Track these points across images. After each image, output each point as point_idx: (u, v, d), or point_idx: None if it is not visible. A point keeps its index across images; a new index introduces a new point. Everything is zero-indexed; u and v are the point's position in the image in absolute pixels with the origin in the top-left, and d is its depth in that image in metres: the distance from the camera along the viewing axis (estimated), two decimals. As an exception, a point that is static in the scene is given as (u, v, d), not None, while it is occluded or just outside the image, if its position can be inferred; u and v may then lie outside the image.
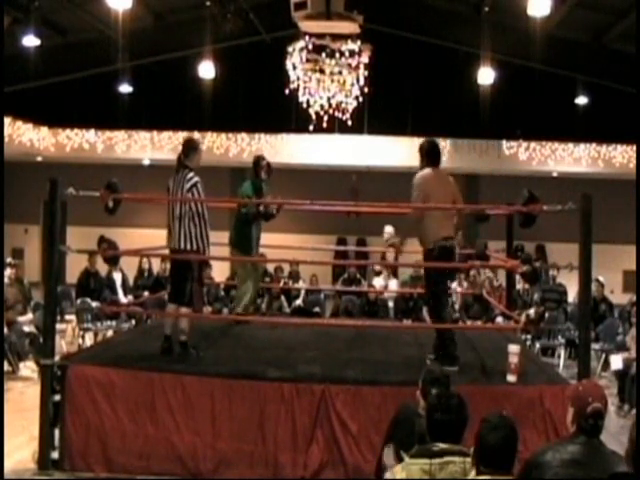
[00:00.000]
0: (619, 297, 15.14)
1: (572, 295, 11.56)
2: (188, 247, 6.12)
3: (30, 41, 14.21)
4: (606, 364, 9.65)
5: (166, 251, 6.83)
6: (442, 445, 3.08)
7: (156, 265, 12.47)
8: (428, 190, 5.93)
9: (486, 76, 15.94)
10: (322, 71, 13.24)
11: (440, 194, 6.00)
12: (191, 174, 6.17)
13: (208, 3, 14.99)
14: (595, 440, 3.25)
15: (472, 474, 2.95)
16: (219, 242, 7.95)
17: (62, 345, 9.75)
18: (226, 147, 18.45)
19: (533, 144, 18.12)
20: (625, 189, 16.63)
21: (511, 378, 5.57)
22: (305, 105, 13.83)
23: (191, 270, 6.23)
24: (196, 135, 18.34)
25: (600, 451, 3.23)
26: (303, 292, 12.93)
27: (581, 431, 3.26)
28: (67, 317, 11.06)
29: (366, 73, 13.34)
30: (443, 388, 3.29)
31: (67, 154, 18.44)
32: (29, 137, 17.88)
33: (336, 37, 12.84)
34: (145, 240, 12.35)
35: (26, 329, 9.48)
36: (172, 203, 6.20)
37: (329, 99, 13.60)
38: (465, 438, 3.26)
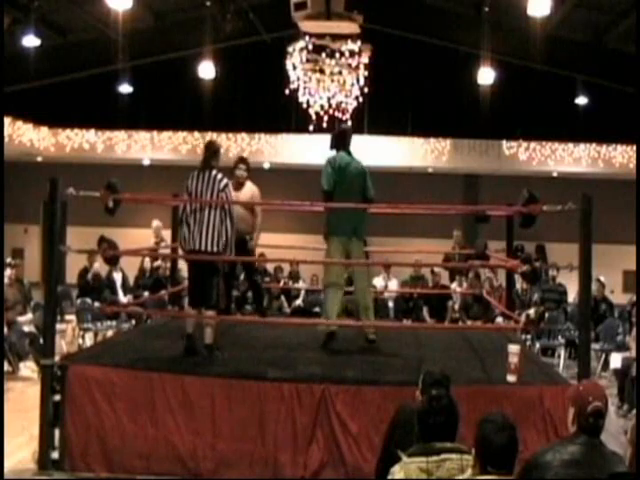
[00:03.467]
0: (619, 297, 15.14)
1: (572, 295, 11.56)
2: (215, 249, 6.09)
3: (30, 41, 14.21)
4: (606, 364, 9.65)
5: (167, 251, 6.84)
6: (439, 443, 3.08)
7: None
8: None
9: (486, 76, 15.94)
10: (322, 71, 13.24)
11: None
12: (220, 175, 6.17)
13: (208, 3, 15.00)
14: (595, 439, 3.26)
15: (469, 472, 2.96)
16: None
17: (62, 345, 9.74)
18: (226, 147, 18.43)
19: (533, 144, 18.12)
20: (625, 189, 16.63)
21: (511, 378, 5.56)
22: (305, 105, 13.83)
23: (218, 272, 6.22)
24: (196, 135, 18.41)
25: (600, 451, 3.23)
26: (303, 292, 12.93)
27: (582, 430, 3.27)
28: (67, 317, 11.06)
29: (366, 73, 13.34)
30: (442, 389, 3.29)
31: (67, 154, 18.44)
32: (29, 137, 17.88)
33: (336, 37, 12.84)
34: (145, 240, 12.38)
35: (26, 329, 9.47)
36: (200, 203, 6.10)
37: (329, 99, 13.60)
38: (464, 438, 3.26)
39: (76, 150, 18.55)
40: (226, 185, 6.13)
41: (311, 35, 12.85)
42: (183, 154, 17.82)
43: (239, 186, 7.40)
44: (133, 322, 10.71)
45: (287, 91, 13.85)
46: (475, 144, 18.19)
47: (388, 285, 12.68)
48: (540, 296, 11.33)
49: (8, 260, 11.24)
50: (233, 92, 18.87)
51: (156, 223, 11.95)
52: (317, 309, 12.25)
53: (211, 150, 6.31)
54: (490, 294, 11.08)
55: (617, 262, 17.58)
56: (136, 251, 9.76)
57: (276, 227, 18.37)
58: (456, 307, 11.62)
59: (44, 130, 18.39)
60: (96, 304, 10.64)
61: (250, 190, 7.60)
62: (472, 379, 5.66)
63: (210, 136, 18.36)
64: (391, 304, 12.14)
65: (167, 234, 9.19)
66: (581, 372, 5.62)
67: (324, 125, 14.27)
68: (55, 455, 5.62)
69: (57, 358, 5.97)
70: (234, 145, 18.44)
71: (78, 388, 5.64)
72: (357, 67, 13.19)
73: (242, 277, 8.89)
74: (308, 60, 13.10)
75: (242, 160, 7.69)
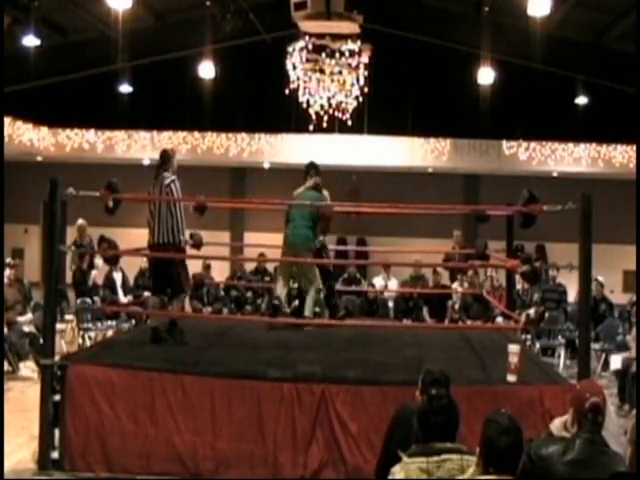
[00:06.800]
0: (619, 297, 15.13)
1: (572, 295, 11.55)
2: (167, 240, 6.63)
3: (30, 41, 14.20)
4: (606, 364, 9.64)
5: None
6: (439, 443, 3.08)
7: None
8: None
9: (486, 76, 15.95)
10: (322, 71, 13.25)
11: None
12: (168, 174, 6.77)
13: (208, 3, 14.99)
14: (596, 437, 3.26)
15: (470, 471, 2.95)
16: (219, 242, 7.93)
17: (62, 345, 9.74)
18: (226, 147, 18.46)
19: (533, 144, 18.12)
20: (625, 189, 16.63)
21: (511, 378, 5.56)
22: (305, 105, 13.84)
23: (174, 261, 6.72)
24: (196, 135, 18.41)
25: (602, 451, 3.24)
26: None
27: (582, 428, 3.28)
28: (67, 317, 11.06)
29: (366, 73, 13.35)
30: (442, 389, 3.29)
31: (67, 154, 18.44)
32: (29, 137, 17.88)
33: (336, 37, 12.85)
34: (145, 240, 12.35)
35: (26, 329, 9.46)
36: (152, 204, 6.70)
37: (329, 99, 13.61)
38: (464, 438, 3.26)
39: (76, 150, 18.55)
40: (172, 181, 6.69)
41: (311, 35, 12.86)
42: (183, 154, 17.80)
43: None
44: (133, 322, 10.70)
45: (287, 91, 13.85)
46: (475, 144, 18.19)
47: (388, 285, 12.67)
48: (540, 296, 11.32)
49: (8, 260, 11.24)
50: (233, 92, 18.87)
51: (80, 222, 11.65)
52: (317, 309, 12.23)
53: (163, 158, 6.91)
54: (490, 294, 11.07)
55: (617, 262, 17.58)
56: (136, 251, 9.74)
57: (276, 227, 18.37)
58: (456, 307, 11.60)
59: (44, 130, 18.39)
60: (96, 299, 10.67)
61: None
62: (472, 379, 5.65)
63: (210, 136, 18.40)
64: (391, 304, 12.12)
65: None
66: (581, 372, 5.62)
67: (324, 125, 14.29)
68: (55, 455, 5.62)
69: (57, 358, 5.97)
70: (234, 145, 18.45)
71: (78, 388, 5.64)
72: (357, 67, 13.20)
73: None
74: (308, 60, 13.11)
75: (310, 167, 8.21)
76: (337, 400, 5.49)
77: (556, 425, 3.70)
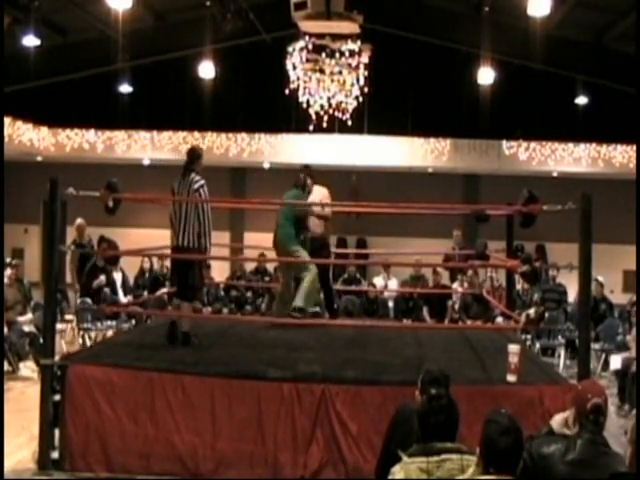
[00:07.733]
0: (619, 297, 15.13)
1: (572, 295, 11.55)
2: (191, 245, 6.46)
3: (30, 41, 14.20)
4: (606, 364, 9.64)
5: (167, 251, 6.93)
6: (439, 443, 3.08)
7: (156, 264, 12.47)
8: None
9: (486, 76, 15.96)
10: (322, 71, 13.26)
11: None
12: (197, 177, 6.61)
13: (208, 3, 15.00)
14: (598, 437, 3.26)
15: (470, 471, 2.95)
16: (219, 242, 7.94)
17: (62, 345, 9.74)
18: (226, 147, 18.46)
19: (533, 144, 18.12)
20: (625, 189, 16.64)
21: (511, 378, 5.56)
22: (305, 105, 13.85)
23: (192, 266, 6.59)
24: (196, 135, 18.41)
25: (603, 451, 3.24)
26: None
27: (583, 429, 3.28)
28: (67, 317, 11.06)
29: (366, 73, 13.36)
30: (442, 388, 3.29)
31: (67, 154, 18.44)
32: (29, 137, 17.88)
33: (336, 37, 12.87)
34: (145, 240, 12.38)
35: (26, 329, 9.46)
36: (177, 203, 6.54)
37: (329, 99, 13.62)
38: (464, 438, 3.26)
39: (76, 150, 18.55)
40: (201, 186, 6.53)
41: (311, 35, 12.87)
42: (183, 154, 17.80)
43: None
44: (133, 322, 10.70)
45: (287, 91, 13.86)
46: (475, 144, 18.19)
47: (388, 285, 12.68)
48: (540, 296, 11.31)
49: (8, 260, 11.24)
50: (233, 92, 18.87)
51: (79, 221, 11.57)
52: (317, 308, 12.23)
53: (191, 156, 6.77)
54: (491, 294, 11.07)
55: (617, 262, 17.58)
56: (136, 251, 9.76)
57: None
58: (456, 307, 11.61)
59: (44, 130, 18.39)
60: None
61: (319, 194, 8.01)
62: (472, 379, 5.65)
63: (210, 136, 18.40)
64: (391, 304, 12.13)
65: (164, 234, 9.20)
66: (581, 372, 5.61)
67: (324, 125, 14.30)
68: (55, 455, 5.62)
69: (57, 358, 5.96)
70: (234, 145, 18.45)
71: (78, 388, 5.64)
72: (357, 67, 13.21)
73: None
74: (308, 60, 13.12)
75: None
76: (337, 400, 5.49)
77: (557, 421, 3.71)
